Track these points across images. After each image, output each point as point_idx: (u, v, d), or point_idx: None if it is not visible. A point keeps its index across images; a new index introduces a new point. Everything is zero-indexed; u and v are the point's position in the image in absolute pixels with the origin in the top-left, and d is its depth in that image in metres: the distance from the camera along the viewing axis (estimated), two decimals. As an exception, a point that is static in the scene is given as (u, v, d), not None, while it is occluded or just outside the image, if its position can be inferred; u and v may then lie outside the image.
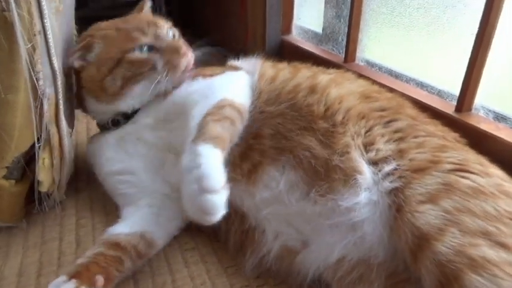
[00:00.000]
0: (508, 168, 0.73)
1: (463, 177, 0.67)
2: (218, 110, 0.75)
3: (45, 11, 0.81)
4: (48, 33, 0.84)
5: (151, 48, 0.89)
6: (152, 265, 0.86)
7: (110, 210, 1.00)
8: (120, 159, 0.92)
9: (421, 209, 0.64)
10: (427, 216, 0.63)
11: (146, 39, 0.89)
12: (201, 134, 0.70)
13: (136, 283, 0.81)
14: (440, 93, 1.11)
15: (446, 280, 0.58)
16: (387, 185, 0.70)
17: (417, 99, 1.07)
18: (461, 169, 0.68)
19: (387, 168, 0.71)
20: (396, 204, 0.67)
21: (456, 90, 1.03)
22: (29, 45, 0.79)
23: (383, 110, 0.80)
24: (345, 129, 0.76)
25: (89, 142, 1.02)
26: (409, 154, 0.71)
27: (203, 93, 0.83)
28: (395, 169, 0.70)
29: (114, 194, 0.96)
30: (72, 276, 0.72)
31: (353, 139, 0.75)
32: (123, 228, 0.84)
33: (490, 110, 0.99)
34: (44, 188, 0.91)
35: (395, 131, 0.76)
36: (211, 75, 0.90)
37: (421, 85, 1.17)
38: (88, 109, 0.98)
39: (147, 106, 0.92)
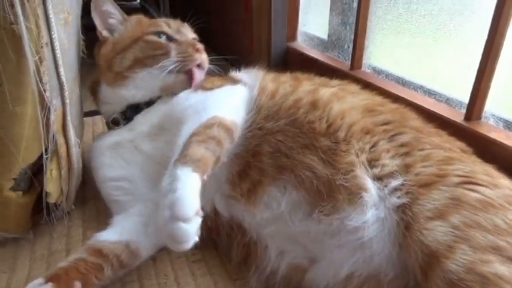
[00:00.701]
0: (519, 177, 0.72)
1: (471, 190, 0.66)
2: (205, 130, 0.74)
3: (53, 24, 0.81)
4: (55, 45, 0.84)
5: (170, 39, 0.96)
6: (159, 277, 0.85)
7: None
8: (118, 166, 0.92)
9: (429, 226, 0.63)
10: (436, 233, 0.62)
11: (168, 29, 0.96)
12: (183, 155, 0.68)
13: (144, 296, 0.81)
14: (448, 101, 1.10)
15: None
16: (394, 200, 0.68)
17: (425, 108, 1.06)
18: (468, 182, 0.67)
19: (393, 183, 0.70)
20: (404, 221, 0.66)
21: (465, 98, 1.02)
22: (37, 57, 0.80)
23: (387, 123, 0.79)
24: (348, 146, 0.75)
25: (91, 145, 1.03)
26: (415, 168, 0.70)
27: (196, 109, 0.82)
28: (402, 184, 0.69)
29: (108, 200, 0.95)
30: (49, 279, 0.73)
31: (357, 156, 0.74)
32: (109, 236, 0.84)
33: (500, 118, 0.97)
34: (52, 199, 0.91)
35: (401, 145, 0.75)
36: (211, 89, 0.90)
37: (428, 93, 1.16)
38: (98, 97, 1.01)
39: (147, 111, 0.94)
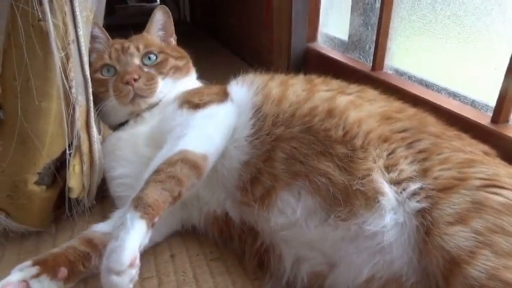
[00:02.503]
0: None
1: (493, 193, 0.63)
2: (167, 168, 0.75)
3: (79, 21, 0.83)
4: (81, 41, 0.86)
5: (114, 71, 0.96)
6: (177, 274, 0.85)
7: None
8: (120, 166, 0.94)
9: (450, 231, 0.61)
10: (457, 238, 0.60)
11: (108, 60, 0.96)
12: (138, 197, 0.70)
13: (162, 292, 0.81)
14: (474, 104, 1.07)
15: None
16: (414, 205, 0.67)
17: (450, 110, 1.04)
18: (491, 185, 0.65)
19: (412, 187, 0.68)
20: (425, 226, 0.64)
21: (491, 101, 0.99)
22: (63, 54, 0.81)
23: (405, 130, 0.77)
24: (365, 154, 0.73)
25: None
26: (433, 172, 0.68)
27: (175, 134, 0.84)
28: (421, 188, 0.68)
29: (114, 197, 0.97)
30: (37, 263, 0.75)
31: (374, 162, 0.73)
32: (103, 227, 0.86)
33: (528, 122, 0.95)
34: (74, 194, 0.92)
35: (419, 152, 0.73)
36: (197, 106, 0.90)
37: (453, 95, 1.14)
38: None
39: (137, 118, 0.98)
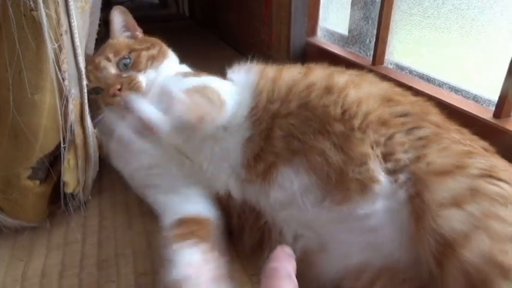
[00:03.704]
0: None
1: (491, 183, 0.62)
2: (201, 89, 0.80)
3: (72, 11, 0.81)
4: (74, 33, 0.84)
5: (101, 89, 0.93)
6: (174, 270, 0.84)
7: (132, 211, 1.00)
8: (138, 158, 0.92)
9: (444, 214, 0.59)
10: (451, 221, 0.58)
11: (90, 85, 0.93)
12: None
13: (159, 288, 0.80)
14: (476, 98, 1.06)
15: None
16: (408, 190, 0.66)
17: (451, 104, 1.02)
18: (489, 175, 0.63)
19: (406, 174, 0.67)
20: (417, 210, 0.63)
21: (494, 95, 0.98)
22: (56, 45, 0.79)
23: (405, 115, 0.75)
24: (363, 136, 0.72)
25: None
26: (428, 158, 0.67)
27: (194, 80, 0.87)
28: (415, 173, 0.67)
29: (141, 189, 0.95)
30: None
31: (372, 148, 0.71)
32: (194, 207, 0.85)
33: (531, 117, 0.93)
34: (69, 189, 0.91)
35: (418, 139, 0.71)
36: (198, 75, 0.93)
37: (455, 89, 1.12)
38: None
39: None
